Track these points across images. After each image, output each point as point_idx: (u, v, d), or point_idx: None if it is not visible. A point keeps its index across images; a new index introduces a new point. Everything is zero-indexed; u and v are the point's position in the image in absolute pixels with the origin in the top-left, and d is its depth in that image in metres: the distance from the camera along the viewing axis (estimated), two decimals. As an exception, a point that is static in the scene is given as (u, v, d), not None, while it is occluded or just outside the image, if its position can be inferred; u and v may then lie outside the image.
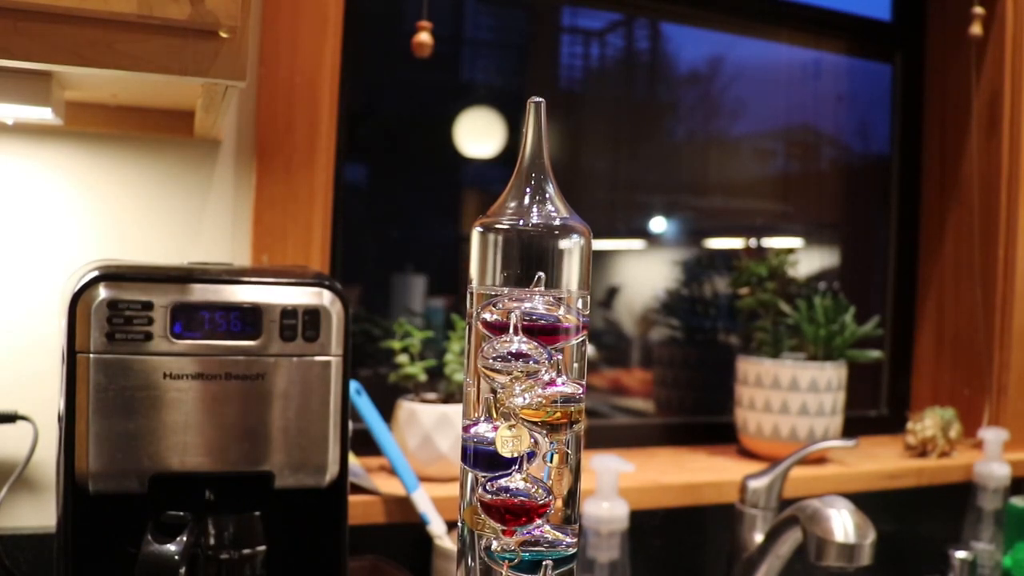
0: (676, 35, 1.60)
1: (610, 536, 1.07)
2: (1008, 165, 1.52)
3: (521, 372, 0.52)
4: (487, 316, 0.54)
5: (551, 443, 0.54)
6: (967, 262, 1.58)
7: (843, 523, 0.98)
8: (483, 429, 0.55)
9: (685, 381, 1.60)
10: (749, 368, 1.40)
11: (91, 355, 0.75)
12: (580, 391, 0.54)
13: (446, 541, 1.04)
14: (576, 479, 0.56)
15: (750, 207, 1.69)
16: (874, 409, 1.70)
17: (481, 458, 0.54)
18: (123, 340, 0.76)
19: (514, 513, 0.53)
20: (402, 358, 1.17)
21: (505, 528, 0.53)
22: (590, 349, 1.23)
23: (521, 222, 0.55)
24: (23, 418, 0.97)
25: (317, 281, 0.83)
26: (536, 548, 0.54)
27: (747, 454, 1.44)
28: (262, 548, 0.83)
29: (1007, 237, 1.52)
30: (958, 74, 1.61)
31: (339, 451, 0.83)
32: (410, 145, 1.42)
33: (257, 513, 0.83)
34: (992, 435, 1.36)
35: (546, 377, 0.53)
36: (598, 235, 0.62)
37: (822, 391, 1.36)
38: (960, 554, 1.21)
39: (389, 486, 1.10)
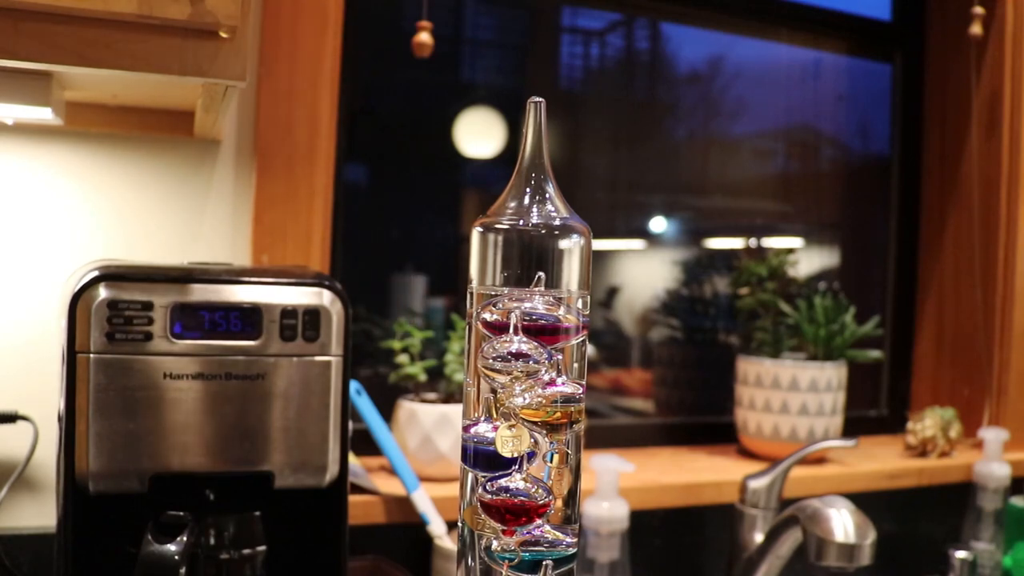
0: (676, 35, 1.60)
1: (610, 536, 1.07)
2: (1008, 165, 1.52)
3: (521, 372, 0.52)
4: (487, 316, 0.54)
5: (551, 443, 0.54)
6: (967, 262, 1.58)
7: (843, 523, 0.98)
8: (483, 429, 0.55)
9: (685, 381, 1.60)
10: (749, 368, 1.40)
11: (91, 355, 0.75)
12: (580, 391, 0.54)
13: (446, 541, 1.04)
14: (576, 479, 0.56)
15: (750, 207, 1.69)
16: (874, 409, 1.70)
17: (481, 458, 0.54)
18: (123, 340, 0.76)
19: (514, 513, 0.53)
20: (402, 358, 1.17)
21: (505, 528, 0.53)
22: (590, 349, 1.23)
23: (521, 222, 0.55)
24: (23, 418, 0.97)
25: (317, 281, 0.83)
26: (536, 548, 0.54)
27: (747, 454, 1.44)
28: (262, 548, 0.83)
29: (1007, 237, 1.52)
30: (958, 74, 1.61)
31: (339, 451, 0.83)
32: (410, 145, 1.42)
33: (257, 513, 0.83)
34: (992, 435, 1.36)
35: (546, 377, 0.53)
36: (598, 235, 0.62)
37: (822, 391, 1.36)
38: (960, 554, 1.21)
39: (389, 486, 1.10)
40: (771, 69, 1.67)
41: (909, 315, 1.70)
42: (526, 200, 0.56)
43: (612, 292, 1.59)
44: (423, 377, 1.17)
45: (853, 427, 1.52)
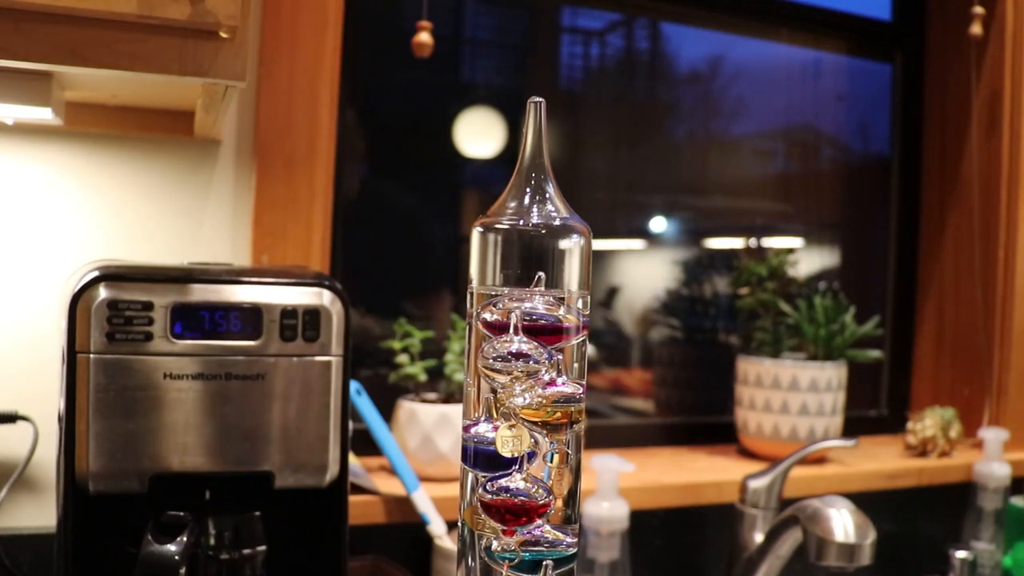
0: (676, 35, 1.60)
1: (610, 536, 1.07)
2: (1008, 165, 1.52)
3: (521, 372, 0.52)
4: (487, 316, 0.54)
5: (551, 443, 0.54)
6: (967, 262, 1.58)
7: (843, 523, 0.98)
8: (483, 429, 0.55)
9: (685, 381, 1.60)
10: (749, 368, 1.40)
11: (91, 355, 0.75)
12: (580, 391, 0.54)
13: (446, 541, 1.04)
14: (576, 479, 0.56)
15: (750, 207, 1.69)
16: (874, 409, 1.70)
17: (481, 458, 0.54)
18: (123, 340, 0.76)
19: (514, 513, 0.53)
20: (402, 358, 1.17)
21: (505, 528, 0.53)
22: (590, 349, 1.23)
23: (521, 222, 0.55)
24: (23, 418, 0.97)
25: (317, 281, 0.83)
26: (536, 548, 0.54)
27: (747, 454, 1.44)
28: (262, 548, 0.83)
29: (1007, 237, 1.52)
30: (958, 74, 1.61)
31: (339, 451, 0.83)
32: (410, 145, 1.42)
33: (257, 513, 0.83)
34: (992, 435, 1.36)
35: (546, 377, 0.53)
36: (598, 235, 0.62)
37: (822, 391, 1.36)
38: (960, 554, 1.21)
39: (389, 486, 1.10)
40: (771, 69, 1.67)
41: (909, 315, 1.70)
42: (526, 200, 0.56)
43: (612, 292, 1.59)
44: (423, 377, 1.17)
45: (853, 427, 1.52)
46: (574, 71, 1.54)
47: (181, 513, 0.74)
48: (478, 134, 1.44)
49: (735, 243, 1.67)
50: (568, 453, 0.55)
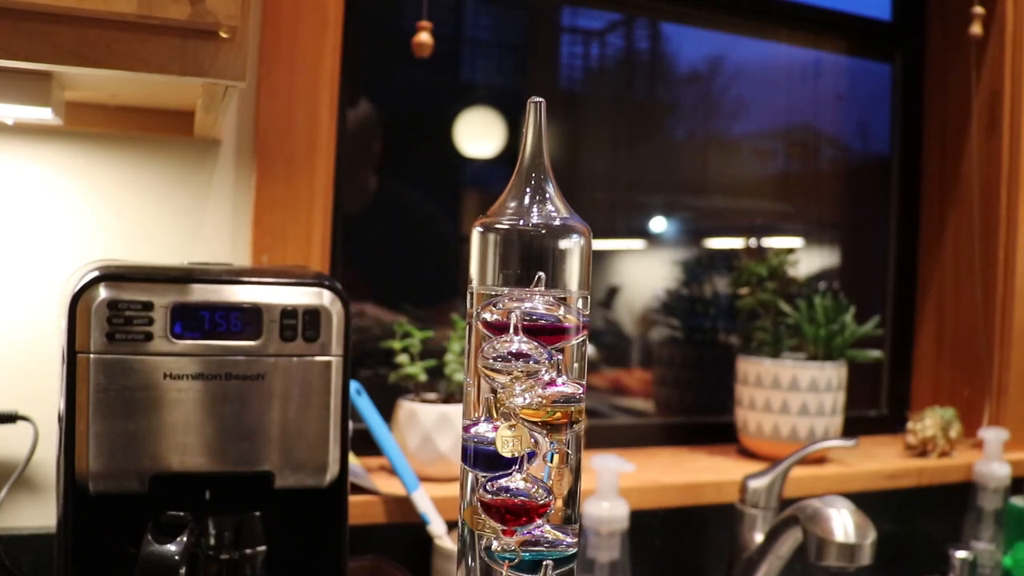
0: (676, 35, 1.60)
1: (610, 536, 1.07)
2: (1008, 165, 1.52)
3: (521, 372, 0.52)
4: (487, 316, 0.54)
5: (551, 443, 0.54)
6: (967, 262, 1.58)
7: (843, 523, 0.98)
8: (483, 429, 0.55)
9: (685, 381, 1.60)
10: (749, 368, 1.40)
11: (91, 355, 0.75)
12: (580, 391, 0.54)
13: (446, 541, 1.04)
14: (576, 479, 0.56)
15: (750, 207, 1.69)
16: (874, 409, 1.70)
17: (481, 458, 0.54)
18: (123, 340, 0.76)
19: (514, 513, 0.53)
20: (402, 358, 1.17)
21: (505, 528, 0.53)
22: (590, 349, 1.23)
23: (521, 222, 0.55)
24: (23, 418, 0.97)
25: (317, 281, 0.83)
26: (536, 548, 0.54)
27: (747, 454, 1.44)
28: (262, 548, 0.83)
29: (1007, 237, 1.52)
30: (958, 74, 1.61)
31: (339, 451, 0.83)
32: (410, 145, 1.42)
33: (257, 513, 0.83)
34: (992, 435, 1.36)
35: (546, 377, 0.53)
36: (598, 235, 0.62)
37: (822, 391, 1.36)
38: (960, 554, 1.21)
39: (389, 486, 1.10)
40: (771, 69, 1.67)
41: (909, 315, 1.70)
42: (526, 200, 0.56)
43: (612, 292, 1.59)
44: (423, 377, 1.17)
45: (853, 427, 1.52)
46: (574, 71, 1.54)
47: (181, 513, 0.74)
48: (478, 134, 1.44)
49: (735, 243, 1.67)
50: (568, 453, 0.55)
